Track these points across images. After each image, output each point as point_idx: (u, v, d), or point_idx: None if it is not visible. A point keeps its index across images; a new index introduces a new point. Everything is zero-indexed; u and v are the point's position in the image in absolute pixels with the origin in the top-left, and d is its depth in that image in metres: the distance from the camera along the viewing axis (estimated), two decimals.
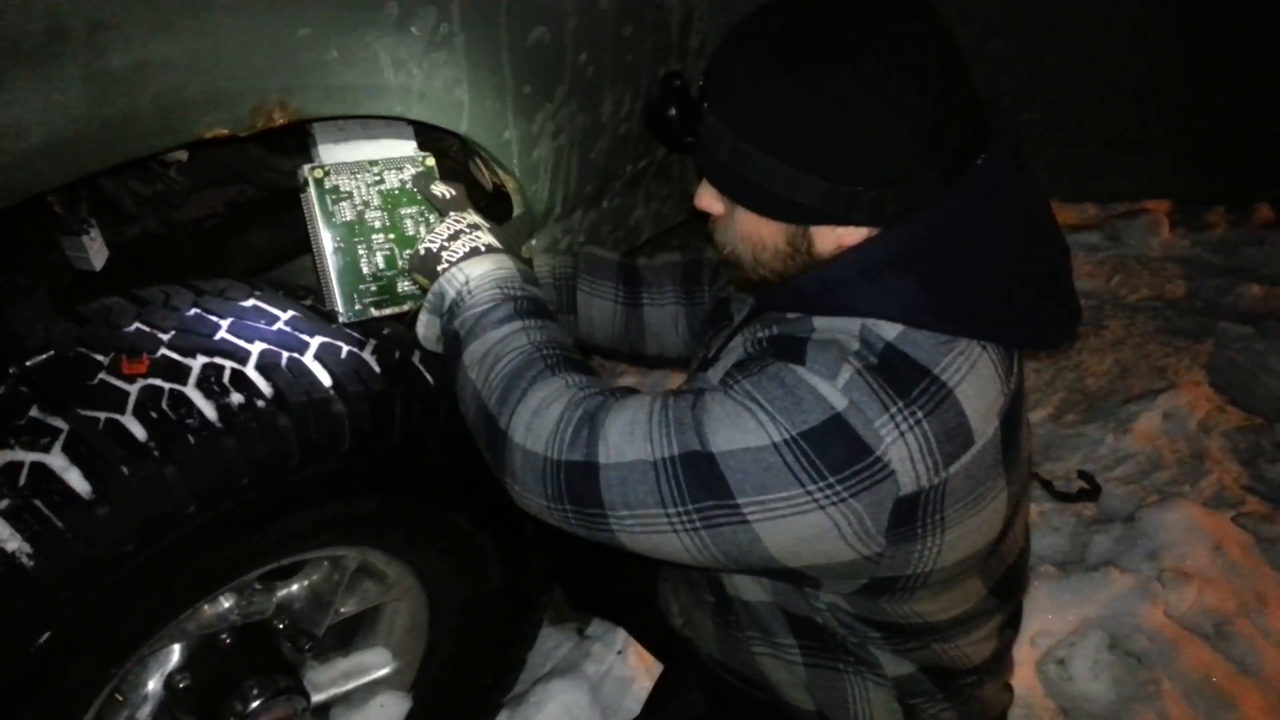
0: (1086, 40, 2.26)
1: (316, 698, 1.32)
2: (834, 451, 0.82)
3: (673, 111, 0.95)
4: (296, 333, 1.14)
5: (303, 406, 1.05)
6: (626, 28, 1.30)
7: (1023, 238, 0.91)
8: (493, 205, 1.37)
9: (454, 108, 1.10)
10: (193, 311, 1.11)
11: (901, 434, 0.82)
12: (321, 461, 1.08)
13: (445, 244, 1.12)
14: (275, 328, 1.13)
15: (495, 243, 1.12)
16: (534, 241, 1.40)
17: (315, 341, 1.13)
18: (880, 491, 0.83)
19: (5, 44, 0.71)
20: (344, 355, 1.13)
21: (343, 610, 1.32)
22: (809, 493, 0.82)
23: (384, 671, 1.38)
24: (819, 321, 0.91)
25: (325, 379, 1.09)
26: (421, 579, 1.32)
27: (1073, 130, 2.41)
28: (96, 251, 1.17)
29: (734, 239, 0.95)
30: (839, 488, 0.82)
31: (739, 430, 0.84)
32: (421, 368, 1.21)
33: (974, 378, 0.87)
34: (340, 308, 1.19)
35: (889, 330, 0.87)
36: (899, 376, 0.84)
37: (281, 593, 1.26)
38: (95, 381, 0.99)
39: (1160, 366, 2.64)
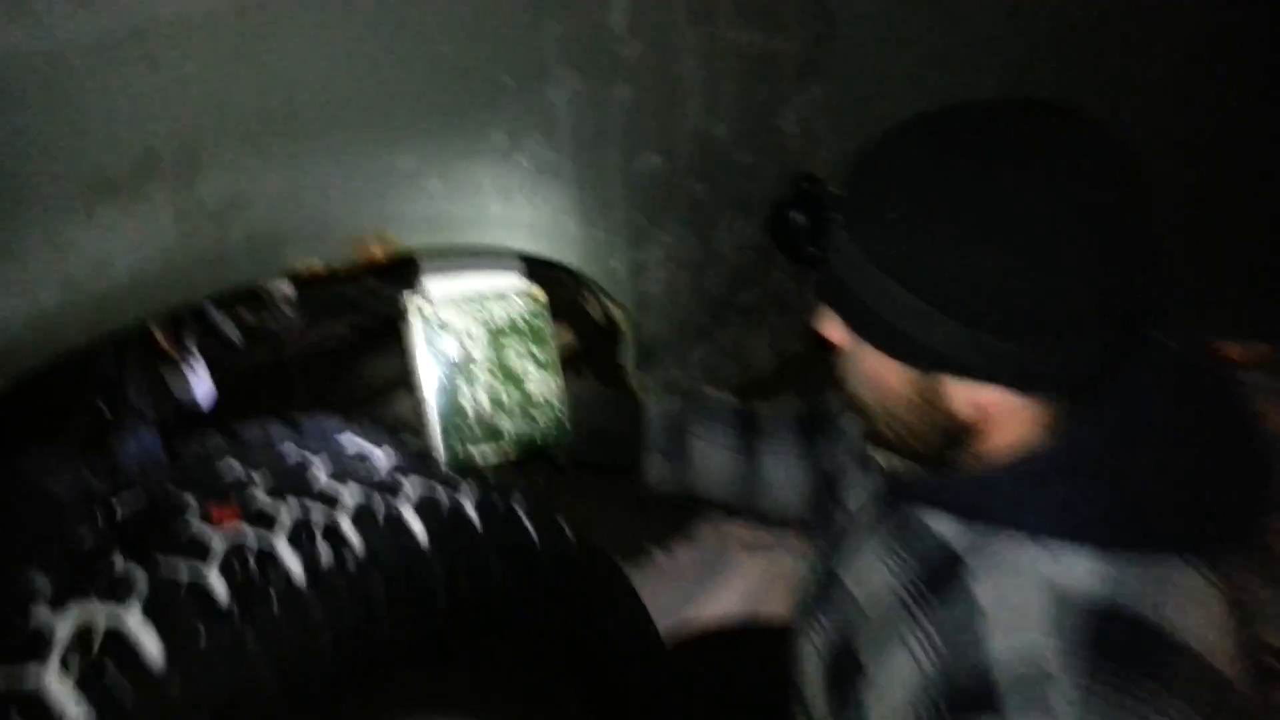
0: None
1: None
2: None
3: (801, 219, 0.85)
4: (395, 477, 1.06)
5: (396, 568, 0.96)
6: (744, 155, 1.23)
7: (1211, 423, 0.75)
8: (603, 338, 1.29)
9: (561, 237, 1.04)
10: (290, 451, 1.06)
11: None
12: (413, 626, 0.98)
13: None
14: (373, 472, 1.06)
15: None
16: (648, 380, 1.31)
17: (414, 489, 1.05)
18: None
19: (95, 175, 0.68)
20: (444, 507, 1.04)
21: None
22: None
23: None
24: (982, 588, 0.74)
25: (423, 535, 1.00)
26: None
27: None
28: (201, 385, 1.14)
29: (858, 379, 0.82)
30: None
31: None
32: (527, 521, 1.12)
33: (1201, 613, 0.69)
34: (443, 451, 1.11)
35: (1083, 577, 0.70)
36: (1128, 659, 0.65)
37: None
38: (182, 528, 0.93)
39: None
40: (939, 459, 0.79)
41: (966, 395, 0.74)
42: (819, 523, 1.07)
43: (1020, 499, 0.72)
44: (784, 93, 1.20)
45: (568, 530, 1.18)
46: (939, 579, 0.77)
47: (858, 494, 0.99)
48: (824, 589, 0.95)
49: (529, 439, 1.17)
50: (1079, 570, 0.69)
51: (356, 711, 1.00)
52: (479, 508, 1.06)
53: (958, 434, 0.76)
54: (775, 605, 2.09)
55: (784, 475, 1.21)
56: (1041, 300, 0.67)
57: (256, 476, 0.99)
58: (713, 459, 1.21)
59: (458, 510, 1.05)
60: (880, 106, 1.22)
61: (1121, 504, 0.70)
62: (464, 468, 1.12)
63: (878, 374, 0.78)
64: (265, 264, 0.84)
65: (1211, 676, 0.65)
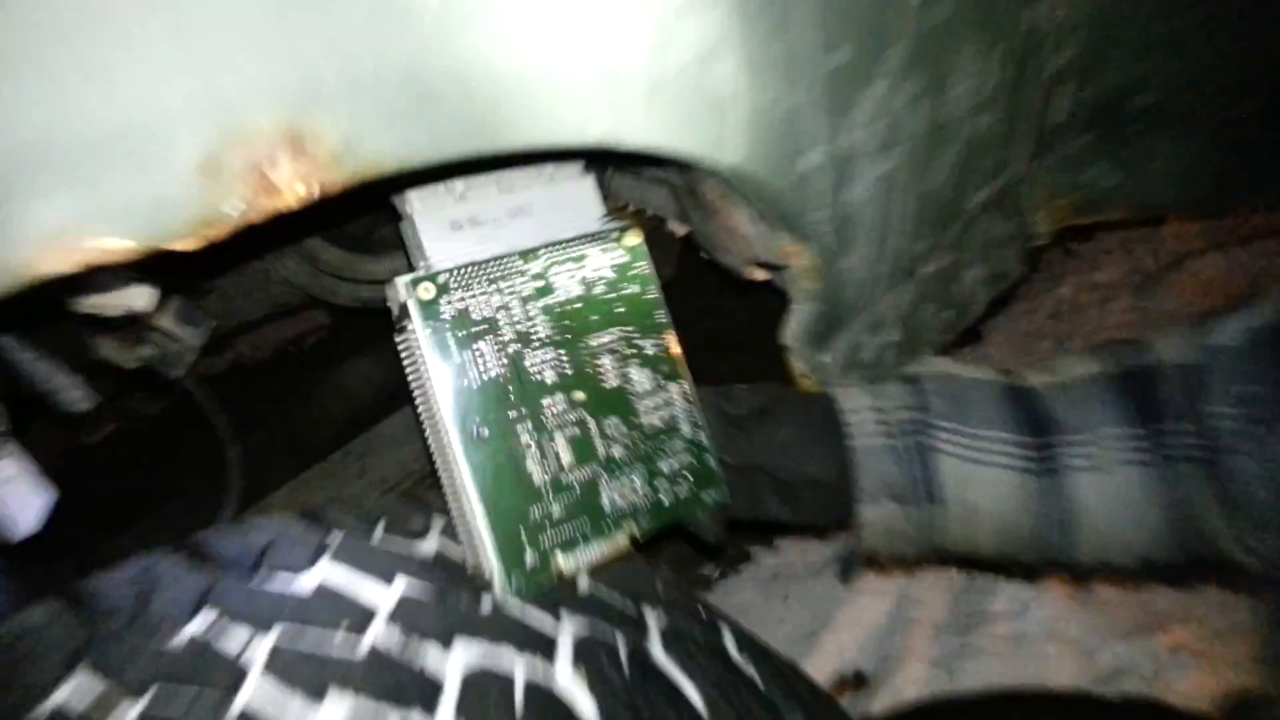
0: None
1: None
2: None
3: None
4: (412, 652, 0.52)
5: None
6: None
7: None
8: (744, 294, 0.73)
9: (715, 112, 0.47)
10: (205, 637, 0.51)
11: None
12: None
13: None
14: (363, 647, 0.52)
15: None
16: (828, 359, 0.75)
17: (455, 670, 0.51)
18: None
19: None
20: (521, 697, 0.50)
21: None
22: None
23: None
24: None
25: None
26: None
27: None
28: (17, 495, 0.59)
29: None
30: None
31: None
32: (675, 669, 0.58)
33: None
34: (497, 569, 0.57)
35: None
36: None
37: None
38: None
39: None
40: None
41: None
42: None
43: None
44: None
45: (741, 658, 0.64)
46: None
47: None
48: None
49: (658, 508, 0.63)
50: None
51: None
52: (594, 686, 0.53)
53: None
54: (936, 610, 1.56)
55: (1115, 498, 0.66)
56: None
57: (133, 713, 0.45)
58: (987, 490, 0.67)
59: (552, 705, 0.51)
60: None
61: None
62: (545, 593, 0.58)
63: None
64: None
65: None
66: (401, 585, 0.56)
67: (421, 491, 0.69)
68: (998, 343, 2.04)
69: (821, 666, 1.45)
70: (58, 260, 0.30)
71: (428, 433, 0.59)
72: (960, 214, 0.78)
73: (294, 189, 0.32)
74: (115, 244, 0.30)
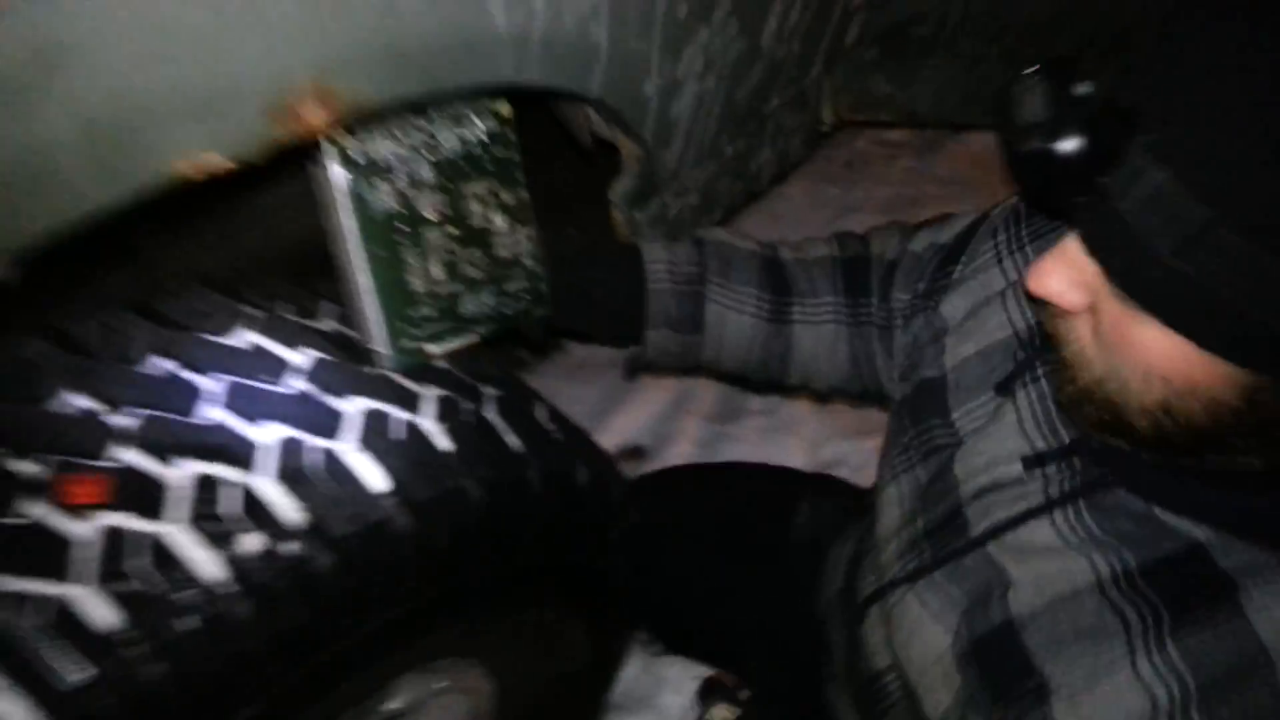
0: None
1: None
2: None
3: (1083, 145, 0.51)
4: (325, 396, 0.75)
5: (350, 540, 0.69)
6: None
7: None
8: (589, 164, 0.95)
9: (586, 60, 0.68)
10: (162, 367, 0.71)
11: None
12: (379, 608, 0.73)
13: None
14: (292, 389, 0.74)
15: None
16: (639, 215, 0.99)
17: (355, 411, 0.75)
18: None
19: None
20: (400, 431, 0.76)
21: (386, 709, 1.01)
22: None
23: None
24: (1264, 621, 0.56)
25: (379, 480, 0.72)
26: (492, 670, 1.01)
27: None
28: None
29: (1124, 367, 0.57)
30: None
31: None
32: (501, 423, 0.84)
33: None
34: (385, 347, 0.79)
35: None
36: None
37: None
38: (24, 526, 0.61)
39: None
40: (1205, 458, 0.57)
41: None
42: (903, 427, 0.84)
43: None
44: None
45: (548, 422, 0.92)
46: (1191, 597, 0.58)
47: (976, 414, 0.76)
48: (942, 544, 0.75)
49: (500, 317, 0.87)
50: None
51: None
52: (449, 430, 0.78)
53: (1271, 439, 0.54)
54: (706, 404, 1.93)
55: (820, 345, 0.97)
56: None
57: (122, 423, 0.66)
58: (734, 329, 0.95)
59: (422, 441, 0.76)
60: None
61: None
62: (417, 367, 0.82)
63: (1172, 366, 0.52)
64: (122, 166, 0.46)
65: None
66: (311, 350, 0.78)
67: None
68: (797, 183, 2.34)
69: (609, 440, 1.79)
70: (186, 169, 0.47)
71: (334, 246, 0.78)
72: (760, 114, 1.02)
73: (318, 122, 0.51)
74: (217, 160, 0.48)
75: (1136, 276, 0.51)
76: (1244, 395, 0.51)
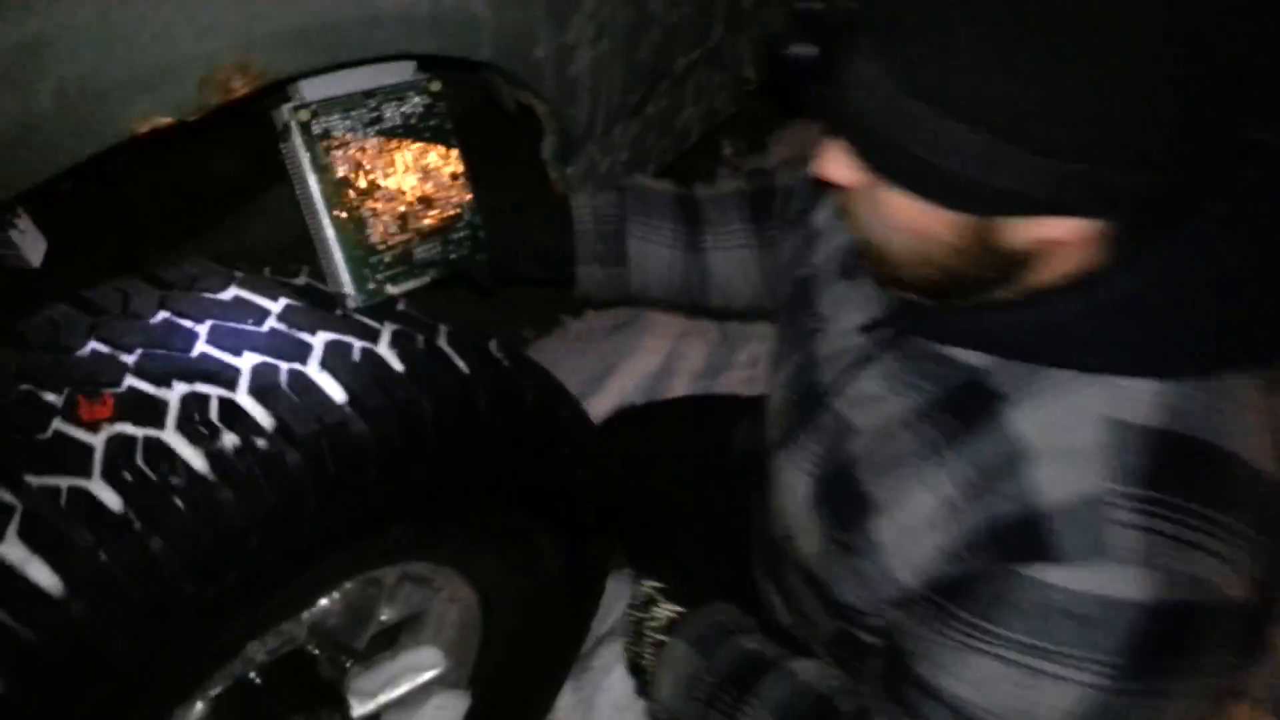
0: None
1: (366, 708, 1.18)
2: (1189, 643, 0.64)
3: (808, 52, 0.65)
4: (294, 331, 0.91)
5: (314, 437, 0.84)
6: None
7: None
8: (519, 127, 1.09)
9: (471, 29, 0.82)
10: (160, 317, 0.88)
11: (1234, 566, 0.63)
12: (343, 498, 0.88)
13: None
14: (266, 328, 0.90)
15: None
16: (570, 170, 1.13)
17: (319, 341, 0.90)
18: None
19: None
20: (357, 356, 0.90)
21: (385, 618, 1.16)
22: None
23: (437, 671, 1.23)
24: (1025, 423, 0.68)
25: (338, 393, 0.87)
26: (471, 579, 1.15)
27: None
28: (31, 244, 0.92)
29: (881, 226, 0.68)
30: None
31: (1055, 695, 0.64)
32: (450, 351, 0.99)
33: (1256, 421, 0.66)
34: (350, 289, 0.95)
35: (1142, 407, 0.64)
36: (1192, 490, 0.63)
37: (312, 617, 1.08)
38: (49, 435, 0.77)
39: None
40: (970, 297, 0.69)
41: (1030, 232, 0.63)
42: (784, 323, 0.97)
43: (1079, 336, 0.65)
44: None
45: (497, 351, 1.06)
46: (968, 414, 0.70)
47: (832, 298, 0.89)
48: (805, 410, 0.88)
49: (448, 262, 1.02)
50: (1138, 400, 0.65)
51: (292, 598, 0.93)
52: (401, 355, 0.93)
53: (1006, 272, 0.66)
54: (695, 361, 2.06)
55: (733, 268, 1.10)
56: (1140, 109, 0.55)
57: (127, 358, 0.82)
58: (654, 259, 1.09)
59: (374, 356, 0.91)
60: None
61: (1194, 335, 0.64)
62: (377, 306, 0.97)
63: (915, 223, 0.65)
64: (92, 127, 0.62)
65: (1268, 489, 0.66)
66: (284, 299, 0.94)
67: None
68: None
69: (607, 401, 1.93)
70: (139, 126, 0.63)
71: (304, 210, 0.94)
72: (669, 73, 1.16)
73: (240, 89, 0.66)
74: (164, 119, 0.64)
75: (869, 151, 0.64)
76: (972, 236, 0.63)
